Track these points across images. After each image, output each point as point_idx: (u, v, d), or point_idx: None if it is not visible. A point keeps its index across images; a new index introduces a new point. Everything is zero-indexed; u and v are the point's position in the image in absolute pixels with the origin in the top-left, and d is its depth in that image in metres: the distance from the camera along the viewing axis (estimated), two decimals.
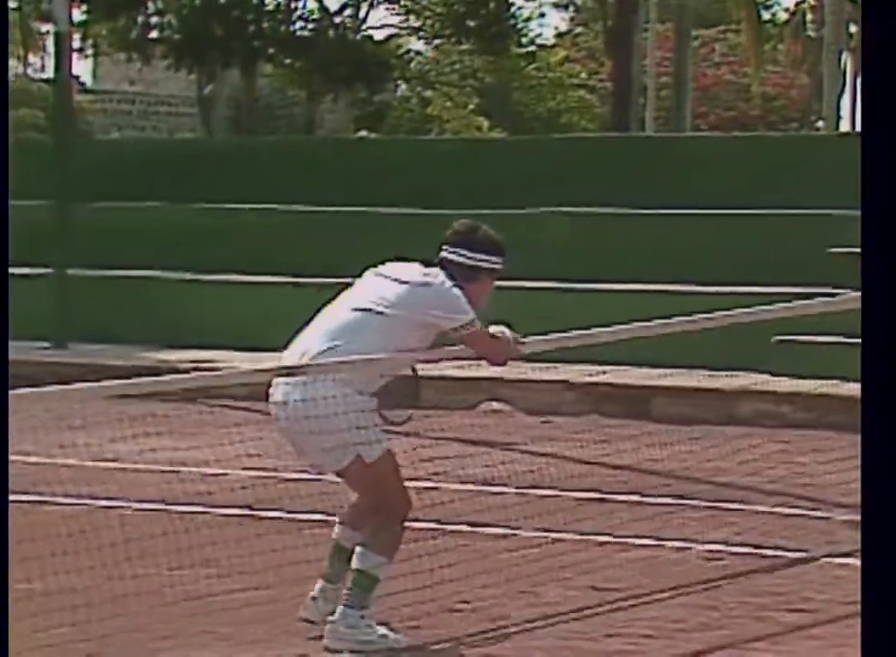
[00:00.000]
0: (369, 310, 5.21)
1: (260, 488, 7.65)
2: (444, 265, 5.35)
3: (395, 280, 5.27)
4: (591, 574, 6.25)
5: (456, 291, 5.24)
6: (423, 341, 5.28)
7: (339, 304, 5.33)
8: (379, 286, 5.28)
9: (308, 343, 5.20)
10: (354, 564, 5.16)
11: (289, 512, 7.22)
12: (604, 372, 11.66)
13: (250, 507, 7.37)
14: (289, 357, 5.22)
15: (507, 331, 5.35)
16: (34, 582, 5.69)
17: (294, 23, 25.75)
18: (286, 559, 6.15)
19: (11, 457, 8.37)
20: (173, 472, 8.50)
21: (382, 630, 5.16)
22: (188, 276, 14.45)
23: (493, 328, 5.33)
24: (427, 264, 5.37)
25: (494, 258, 5.41)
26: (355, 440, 5.05)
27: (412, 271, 5.30)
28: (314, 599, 5.32)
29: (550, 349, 6.16)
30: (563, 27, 43.21)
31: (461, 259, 5.35)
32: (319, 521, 6.79)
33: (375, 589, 5.16)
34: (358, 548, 5.18)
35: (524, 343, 5.41)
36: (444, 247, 5.41)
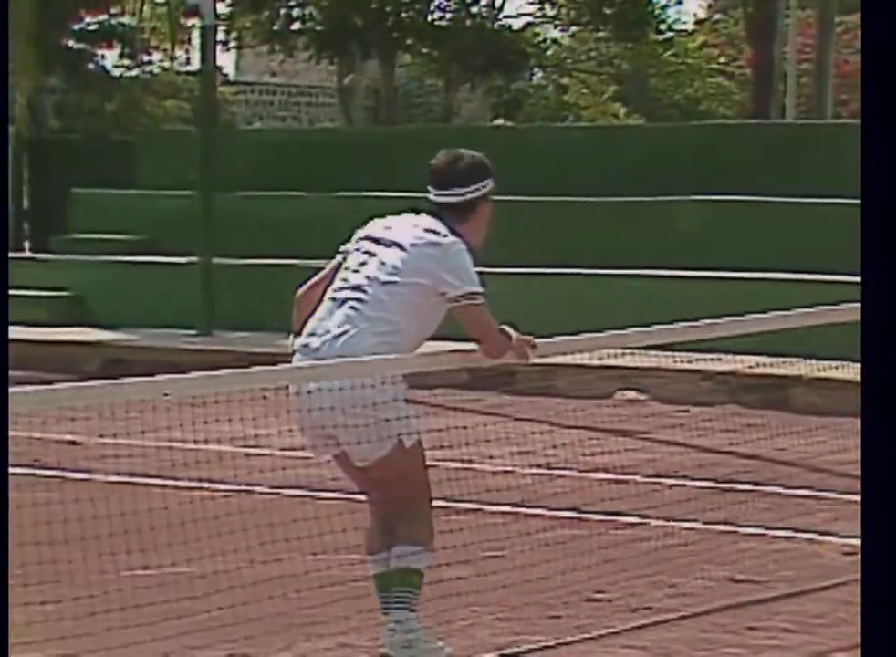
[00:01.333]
0: (388, 283, 4.84)
1: None
2: (438, 212, 4.95)
3: (397, 245, 4.89)
4: (728, 565, 6.27)
5: (466, 255, 4.86)
6: (439, 312, 4.88)
7: (348, 278, 4.96)
8: (381, 253, 4.91)
9: (333, 325, 4.85)
10: (394, 565, 4.91)
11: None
12: (741, 362, 11.63)
13: None
14: (313, 339, 4.88)
15: (514, 332, 4.92)
16: (182, 566, 5.88)
17: (432, 13, 25.90)
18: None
19: (164, 442, 8.66)
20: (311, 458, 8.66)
21: (436, 642, 4.95)
22: (328, 264, 14.67)
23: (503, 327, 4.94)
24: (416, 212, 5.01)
25: (485, 183, 4.99)
26: (399, 429, 4.81)
27: (412, 231, 4.91)
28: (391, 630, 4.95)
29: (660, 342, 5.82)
30: (701, 14, 42.82)
31: (454, 199, 4.96)
32: (458, 508, 6.90)
33: (421, 583, 4.91)
34: (394, 551, 4.93)
35: (534, 346, 4.95)
36: (432, 191, 5.00)
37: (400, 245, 4.91)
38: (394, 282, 4.84)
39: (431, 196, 4.99)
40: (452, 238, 4.87)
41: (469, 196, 4.95)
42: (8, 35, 16.92)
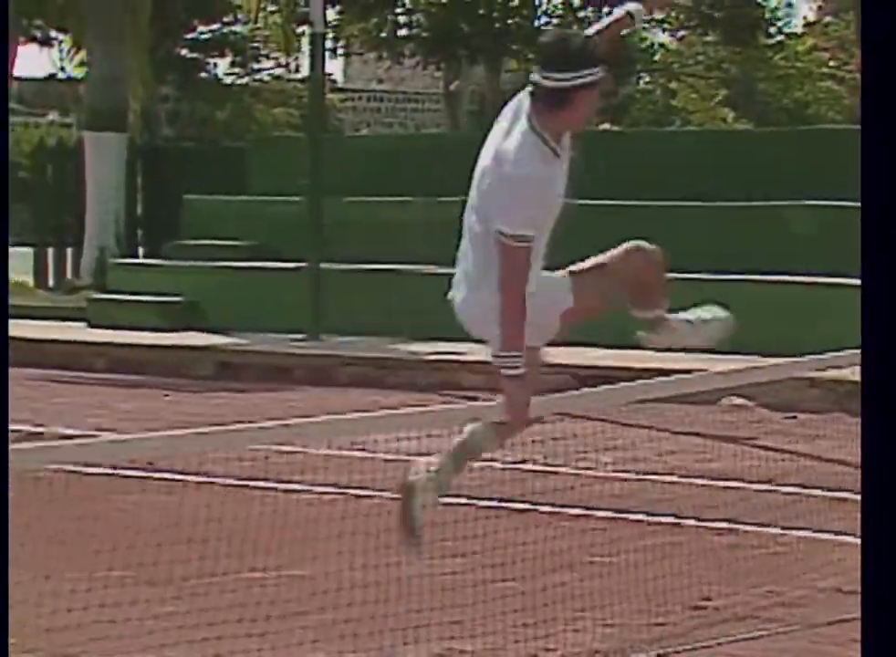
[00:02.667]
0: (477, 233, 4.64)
1: (513, 482, 7.83)
2: (534, 93, 4.65)
3: (481, 178, 4.62)
4: (837, 576, 6.22)
5: (527, 192, 4.54)
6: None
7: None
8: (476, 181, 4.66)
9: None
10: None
11: (534, 505, 7.39)
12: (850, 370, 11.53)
13: (498, 500, 7.56)
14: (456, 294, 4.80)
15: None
16: (293, 569, 5.99)
17: (538, 18, 25.96)
18: (534, 552, 6.31)
19: (275, 445, 8.78)
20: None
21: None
22: (434, 269, 14.77)
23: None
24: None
25: (586, 72, 4.62)
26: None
27: (495, 151, 4.60)
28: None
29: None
30: (811, 17, 42.40)
31: (551, 83, 4.62)
32: (564, 514, 6.94)
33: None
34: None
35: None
36: (535, 69, 4.69)
37: (483, 179, 4.66)
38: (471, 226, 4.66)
39: (533, 77, 4.68)
40: (525, 165, 4.56)
41: (564, 84, 4.60)
42: (8, 35, 17.06)
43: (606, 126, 32.07)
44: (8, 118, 16.49)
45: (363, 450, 9.23)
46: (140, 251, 18.93)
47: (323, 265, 14.33)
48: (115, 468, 8.38)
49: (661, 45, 36.22)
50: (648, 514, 7.31)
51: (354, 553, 6.02)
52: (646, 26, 30.33)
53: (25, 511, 6.61)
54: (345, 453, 9.00)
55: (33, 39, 34.62)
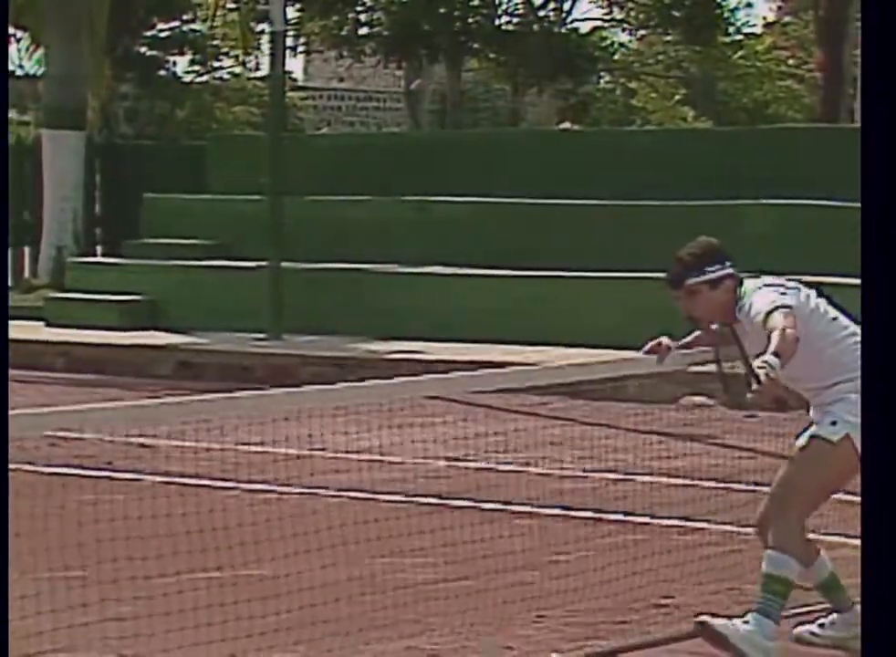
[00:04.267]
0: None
1: (458, 478, 7.83)
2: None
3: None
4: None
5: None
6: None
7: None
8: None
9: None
10: (764, 568, 5.09)
11: (480, 501, 7.38)
12: None
13: (446, 497, 7.56)
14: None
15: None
16: (252, 568, 5.96)
17: (499, 17, 25.97)
18: (493, 550, 6.31)
19: (235, 446, 8.75)
20: (376, 461, 8.76)
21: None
22: (396, 268, 14.77)
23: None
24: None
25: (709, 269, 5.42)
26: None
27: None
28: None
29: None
30: (771, 17, 42.59)
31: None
32: (522, 511, 6.93)
33: (785, 591, 5.06)
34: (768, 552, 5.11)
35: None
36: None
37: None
38: None
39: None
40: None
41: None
42: (8, 35, 17.01)
43: (566, 125, 32.14)
44: (8, 119, 16.37)
45: (321, 448, 9.20)
46: (99, 250, 18.83)
47: (284, 264, 14.29)
48: (74, 466, 8.33)
49: (622, 44, 36.31)
50: (607, 512, 7.32)
51: (308, 552, 6.00)
52: (606, 24, 30.42)
53: None
54: (297, 451, 8.96)
55: None
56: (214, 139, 20.35)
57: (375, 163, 16.42)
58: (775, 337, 4.96)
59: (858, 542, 4.24)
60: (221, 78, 31.72)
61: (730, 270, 5.37)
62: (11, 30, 32.57)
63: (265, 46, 26.68)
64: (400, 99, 32.18)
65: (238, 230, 15.83)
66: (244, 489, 7.87)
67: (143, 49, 26.52)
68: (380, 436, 9.60)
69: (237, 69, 33.07)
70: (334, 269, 14.83)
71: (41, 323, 14.81)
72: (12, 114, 33.68)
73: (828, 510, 5.91)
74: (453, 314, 13.85)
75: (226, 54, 32.10)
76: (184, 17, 28.23)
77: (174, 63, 29.07)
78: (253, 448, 8.83)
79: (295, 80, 35.12)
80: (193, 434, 8.39)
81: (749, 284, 5.31)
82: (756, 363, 4.94)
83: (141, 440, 9.22)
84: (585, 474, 8.45)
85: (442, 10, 24.43)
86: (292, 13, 24.29)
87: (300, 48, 28.26)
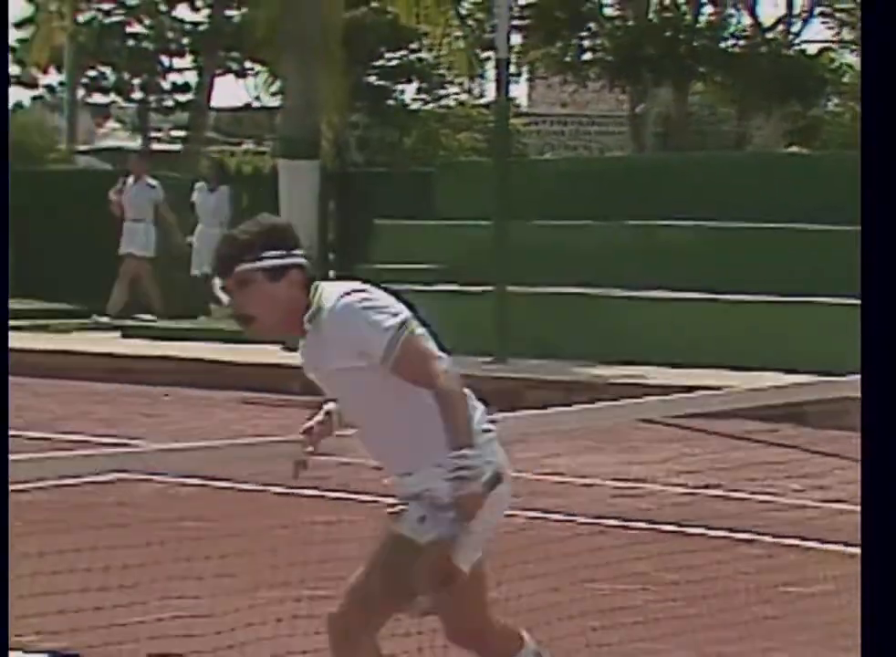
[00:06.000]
0: None
1: (692, 505, 7.85)
2: None
3: None
4: None
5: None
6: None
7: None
8: None
9: None
10: None
11: (712, 528, 7.40)
12: None
13: (683, 524, 7.59)
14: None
15: None
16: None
17: (725, 40, 25.84)
18: (721, 575, 6.33)
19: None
20: (608, 486, 8.83)
21: None
22: (620, 292, 14.83)
23: None
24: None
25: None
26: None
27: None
28: None
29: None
30: None
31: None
32: (745, 540, 6.92)
33: None
34: None
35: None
36: None
37: None
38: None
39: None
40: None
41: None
42: (8, 36, 17.19)
43: (794, 149, 31.74)
44: (8, 120, 16.75)
45: (554, 473, 9.29)
46: (332, 275, 19.32)
47: (509, 288, 14.48)
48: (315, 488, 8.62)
49: (850, 66, 35.71)
50: (829, 542, 7.26)
51: (537, 577, 6.08)
52: (835, 45, 29.99)
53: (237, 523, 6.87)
54: (531, 476, 9.03)
55: (229, 71, 35.60)
56: (441, 165, 20.72)
57: (598, 187, 16.51)
58: (448, 403, 3.99)
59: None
60: (446, 106, 32.23)
61: (300, 260, 4.09)
62: (249, 64, 33.78)
63: (490, 73, 27.07)
64: (623, 123, 32.20)
65: (465, 255, 16.09)
66: None
67: (373, 79, 27.14)
68: (605, 461, 9.68)
69: (462, 97, 33.55)
70: (559, 293, 14.97)
71: (278, 347, 15.30)
72: (250, 146, 34.84)
73: None
74: (676, 338, 13.85)
75: (451, 82, 32.62)
76: (411, 47, 28.81)
77: (402, 92, 29.71)
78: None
79: (518, 106, 35.44)
80: None
81: (328, 286, 4.13)
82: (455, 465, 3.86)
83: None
84: (812, 504, 8.39)
85: (667, 34, 24.43)
86: (516, 40, 24.60)
87: (524, 75, 28.56)
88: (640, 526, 7.56)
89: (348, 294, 4.08)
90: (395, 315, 4.04)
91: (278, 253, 4.03)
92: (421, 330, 4.11)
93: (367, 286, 4.15)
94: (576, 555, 6.45)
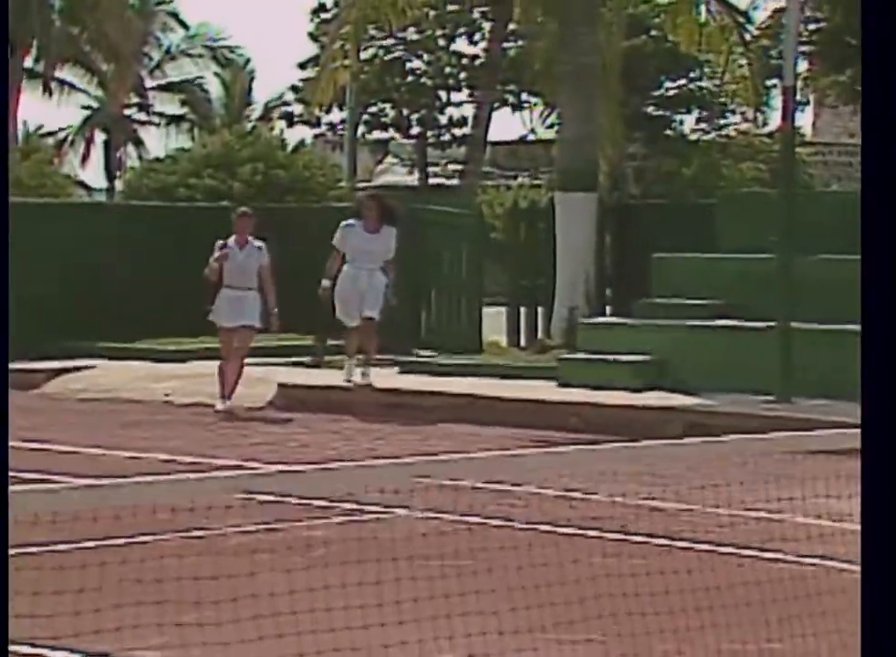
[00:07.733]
0: None
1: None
2: None
3: None
4: None
5: None
6: None
7: None
8: None
9: None
10: None
11: None
12: None
13: None
14: None
15: None
16: (775, 643, 5.80)
17: None
18: None
19: (742, 511, 8.61)
20: None
21: None
22: None
23: None
24: None
25: None
26: None
27: None
28: None
29: None
30: None
31: None
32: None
33: None
34: None
35: None
36: None
37: None
38: None
39: None
40: None
41: None
42: (8, 36, 16.75)
43: None
44: (8, 121, 16.63)
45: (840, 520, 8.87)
46: (609, 310, 19.08)
47: (793, 325, 14.02)
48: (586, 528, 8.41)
49: None
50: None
51: (832, 633, 5.77)
52: None
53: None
54: (810, 521, 8.66)
55: (505, 103, 35.82)
56: (722, 197, 20.29)
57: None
58: None
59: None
60: (727, 136, 31.69)
61: None
62: (525, 97, 33.94)
63: (773, 101, 26.48)
64: None
65: (746, 289, 15.67)
66: (750, 557, 7.69)
67: (651, 109, 26.89)
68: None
69: (744, 126, 32.94)
70: (844, 330, 14.42)
71: (553, 383, 15.15)
72: (525, 179, 34.98)
73: None
74: None
75: (733, 110, 32.08)
76: (691, 75, 28.43)
77: (681, 121, 29.34)
78: (758, 514, 8.65)
79: (803, 135, 34.65)
80: (700, 496, 8.29)
81: None
82: None
83: (654, 503, 9.23)
84: None
85: None
86: (803, 67, 23.97)
87: (810, 103, 27.85)
88: None
89: None
90: None
91: None
92: None
93: None
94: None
